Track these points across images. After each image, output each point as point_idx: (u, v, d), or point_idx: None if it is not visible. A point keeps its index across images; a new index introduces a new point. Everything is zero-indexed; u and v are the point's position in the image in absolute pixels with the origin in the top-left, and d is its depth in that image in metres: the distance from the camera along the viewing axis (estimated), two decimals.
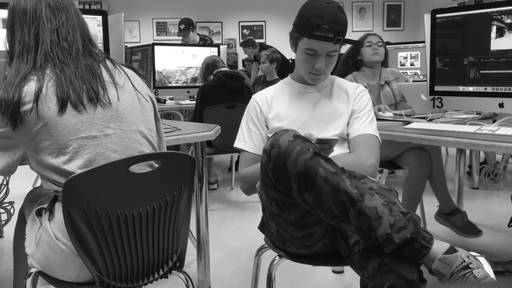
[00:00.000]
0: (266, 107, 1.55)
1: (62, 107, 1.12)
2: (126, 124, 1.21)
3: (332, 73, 1.58)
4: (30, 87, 1.12)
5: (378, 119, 1.91)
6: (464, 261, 0.98)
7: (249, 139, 1.54)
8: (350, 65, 2.65)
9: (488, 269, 1.00)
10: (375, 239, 1.01)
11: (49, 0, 1.22)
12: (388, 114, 2.25)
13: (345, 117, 1.51)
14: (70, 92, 1.13)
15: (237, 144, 1.56)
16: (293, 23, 1.47)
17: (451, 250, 1.01)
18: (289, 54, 6.42)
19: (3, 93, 1.11)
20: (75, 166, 1.13)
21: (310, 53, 1.43)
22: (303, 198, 1.09)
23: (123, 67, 1.30)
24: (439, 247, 1.01)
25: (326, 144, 1.29)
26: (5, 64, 1.29)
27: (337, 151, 1.48)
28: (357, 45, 1.48)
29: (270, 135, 1.52)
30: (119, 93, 1.22)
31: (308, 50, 1.42)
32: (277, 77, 4.71)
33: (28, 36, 1.18)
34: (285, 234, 1.26)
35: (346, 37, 1.44)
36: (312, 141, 1.27)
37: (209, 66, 3.64)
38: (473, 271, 0.95)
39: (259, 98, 1.57)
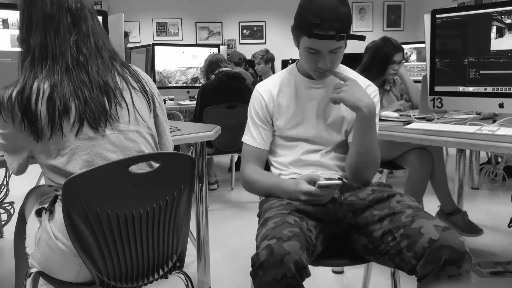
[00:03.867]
0: (272, 104, 1.50)
1: (79, 127, 1.13)
2: (123, 124, 1.21)
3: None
4: (41, 87, 1.11)
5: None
6: None
7: (257, 134, 1.51)
8: (372, 74, 2.64)
9: None
10: None
11: (70, 4, 1.19)
12: (393, 114, 2.25)
13: (348, 121, 1.48)
14: (87, 112, 1.14)
15: (246, 140, 1.53)
16: (294, 20, 1.40)
17: None
18: (289, 54, 6.42)
19: (17, 91, 1.11)
20: (73, 167, 1.13)
21: (312, 51, 1.35)
22: None
23: (128, 70, 1.28)
24: None
25: (328, 188, 1.27)
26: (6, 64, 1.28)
27: (339, 155, 1.49)
28: (363, 40, 1.39)
29: (276, 132, 1.52)
30: (123, 100, 1.22)
31: (310, 49, 1.35)
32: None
33: (53, 44, 1.16)
34: None
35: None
36: (315, 185, 1.27)
37: (212, 64, 3.63)
38: None
39: (264, 91, 1.52)
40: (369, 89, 1.49)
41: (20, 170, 1.25)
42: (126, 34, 5.20)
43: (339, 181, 1.23)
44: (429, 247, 1.08)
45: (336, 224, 1.31)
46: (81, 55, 1.19)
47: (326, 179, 1.35)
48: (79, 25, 1.20)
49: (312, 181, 1.31)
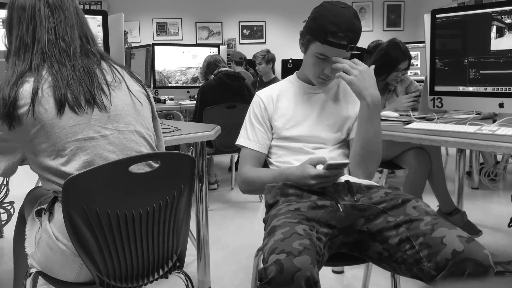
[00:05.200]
0: (271, 106, 1.53)
1: (60, 109, 1.12)
2: (123, 124, 1.21)
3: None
4: (25, 89, 1.11)
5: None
6: None
7: (253, 136, 1.53)
8: (377, 69, 2.61)
9: None
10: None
11: None
12: (393, 114, 2.25)
13: (351, 120, 1.51)
14: (67, 94, 1.13)
15: (241, 142, 1.55)
16: (306, 25, 1.44)
17: None
18: (289, 54, 6.42)
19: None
20: (73, 168, 1.13)
21: (321, 57, 1.41)
22: None
23: (118, 67, 1.29)
24: None
25: (337, 169, 1.28)
26: (5, 64, 1.28)
27: (340, 151, 1.49)
28: (369, 53, 1.49)
29: (275, 135, 1.52)
30: (115, 94, 1.22)
31: (320, 55, 1.41)
32: (274, 76, 4.73)
33: (26, 33, 1.18)
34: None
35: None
36: (323, 166, 1.27)
37: (210, 65, 3.64)
38: None
39: (264, 95, 1.56)
40: None
41: (7, 172, 1.20)
42: (125, 33, 5.20)
43: (347, 160, 1.26)
44: (452, 259, 1.04)
45: (347, 230, 1.25)
46: (62, 41, 1.20)
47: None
48: (59, 13, 1.22)
49: (318, 164, 1.32)
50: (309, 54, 1.45)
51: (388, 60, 2.55)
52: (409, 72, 4.19)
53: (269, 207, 1.36)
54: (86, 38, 1.26)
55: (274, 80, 4.63)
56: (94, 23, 1.91)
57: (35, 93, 1.10)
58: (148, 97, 1.34)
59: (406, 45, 2.65)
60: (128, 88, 1.26)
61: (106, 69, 1.25)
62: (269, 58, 4.57)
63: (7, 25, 1.23)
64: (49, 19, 1.20)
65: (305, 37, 1.45)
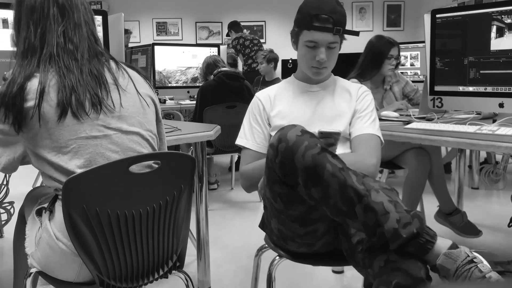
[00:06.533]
0: (269, 105, 1.55)
1: (62, 114, 1.11)
2: (126, 125, 1.21)
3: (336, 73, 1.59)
4: (33, 84, 1.11)
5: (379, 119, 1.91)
6: (468, 255, 0.99)
7: (251, 136, 1.54)
8: (367, 71, 2.63)
9: (488, 265, 1.02)
10: (382, 234, 1.02)
11: None
12: (393, 114, 2.25)
13: (347, 117, 1.52)
14: (72, 100, 1.12)
15: (239, 141, 1.56)
16: (294, 20, 1.49)
17: (454, 246, 1.02)
18: (289, 54, 6.42)
19: (6, 88, 1.11)
20: (74, 166, 1.13)
21: (310, 45, 1.44)
22: (309, 194, 1.10)
23: (126, 68, 1.28)
24: (442, 243, 1.03)
25: (330, 138, 1.30)
26: (9, 64, 1.28)
27: (340, 151, 1.48)
28: (357, 35, 1.49)
29: (272, 133, 1.52)
30: (121, 96, 1.22)
31: (309, 42, 1.43)
32: (276, 76, 4.73)
33: (34, 35, 1.17)
34: (287, 232, 1.26)
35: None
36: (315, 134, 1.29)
37: (210, 65, 3.64)
38: (478, 265, 0.98)
39: (262, 96, 1.58)
40: (361, 90, 1.58)
41: (7, 167, 1.19)
42: (126, 31, 5.20)
43: (339, 130, 1.29)
44: (384, 266, 1.06)
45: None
46: (71, 43, 1.18)
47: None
48: (68, 15, 1.20)
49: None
50: (300, 47, 1.49)
51: (377, 51, 2.61)
52: (409, 72, 4.19)
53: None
54: (94, 37, 1.25)
55: (277, 80, 4.62)
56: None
57: (42, 89, 1.10)
58: (153, 100, 1.33)
59: (406, 45, 2.66)
60: (136, 89, 1.26)
61: (114, 69, 1.24)
62: (270, 58, 4.57)
63: (15, 25, 1.21)
64: (58, 22, 1.18)
65: (294, 31, 1.49)
